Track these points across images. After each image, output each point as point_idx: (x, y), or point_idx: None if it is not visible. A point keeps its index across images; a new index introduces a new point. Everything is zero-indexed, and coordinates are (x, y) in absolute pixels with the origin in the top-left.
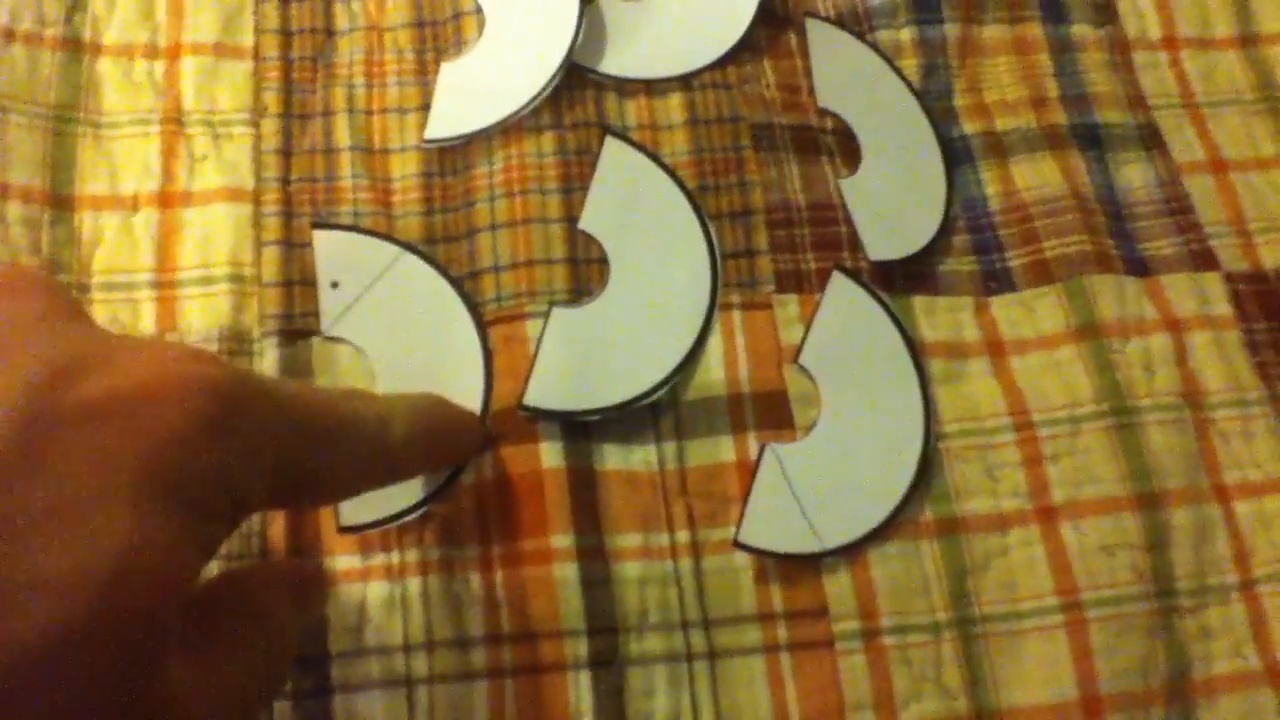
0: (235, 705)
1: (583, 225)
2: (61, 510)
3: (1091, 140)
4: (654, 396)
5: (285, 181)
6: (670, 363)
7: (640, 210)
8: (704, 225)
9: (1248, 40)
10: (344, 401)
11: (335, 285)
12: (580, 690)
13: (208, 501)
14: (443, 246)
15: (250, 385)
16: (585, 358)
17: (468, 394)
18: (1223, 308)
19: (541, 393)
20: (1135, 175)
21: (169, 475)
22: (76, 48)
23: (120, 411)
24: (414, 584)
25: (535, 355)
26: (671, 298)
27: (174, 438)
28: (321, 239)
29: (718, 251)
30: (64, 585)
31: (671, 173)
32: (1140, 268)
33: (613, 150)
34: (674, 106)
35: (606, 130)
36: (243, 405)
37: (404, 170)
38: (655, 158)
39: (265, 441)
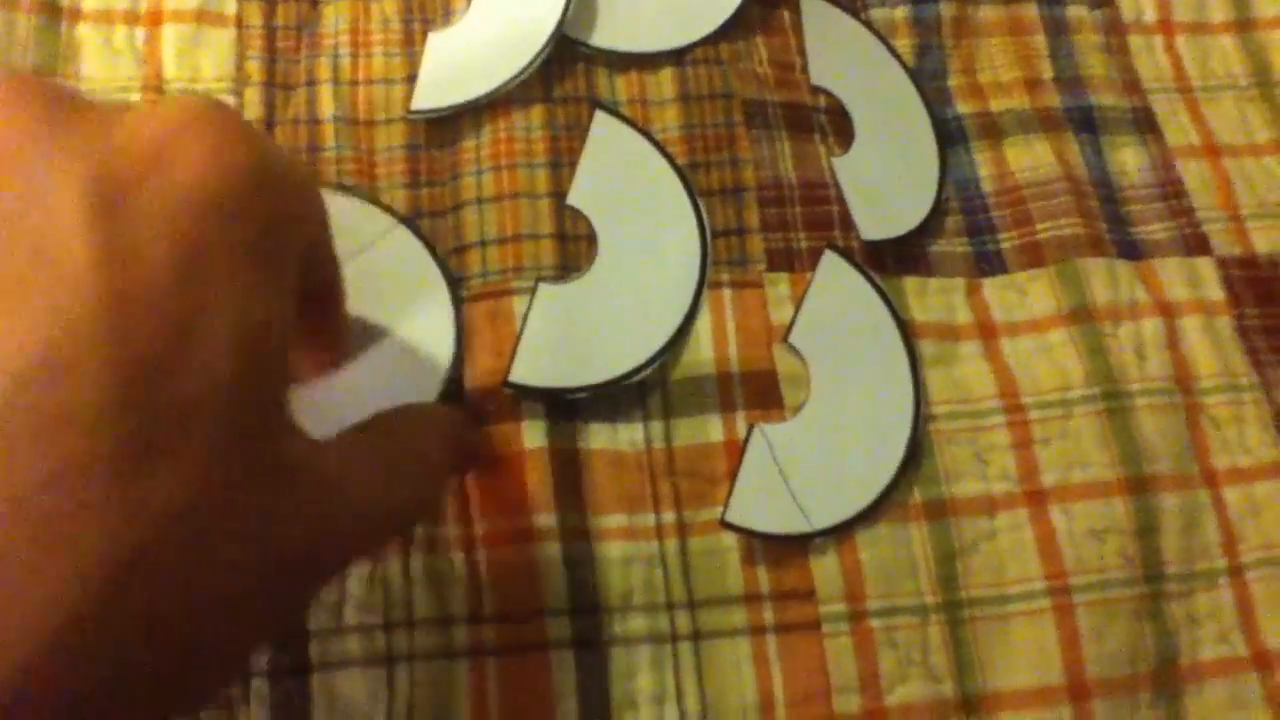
0: (373, 509)
1: (571, 200)
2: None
3: (1085, 123)
4: (642, 375)
5: None
6: (658, 341)
7: (630, 186)
8: (694, 202)
9: (1244, 25)
10: None
11: None
12: (563, 670)
13: (278, 249)
14: (428, 220)
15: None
16: (572, 335)
17: (433, 374)
18: (1215, 292)
19: (527, 369)
20: (1129, 159)
21: (242, 226)
22: (54, 12)
23: (168, 170)
24: (395, 562)
25: (520, 332)
26: (660, 275)
27: (231, 181)
28: None
29: (708, 229)
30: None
31: (662, 149)
32: (1133, 251)
33: (603, 125)
34: (665, 81)
35: (597, 105)
36: (265, 140)
37: (389, 142)
38: (646, 133)
39: (291, 181)
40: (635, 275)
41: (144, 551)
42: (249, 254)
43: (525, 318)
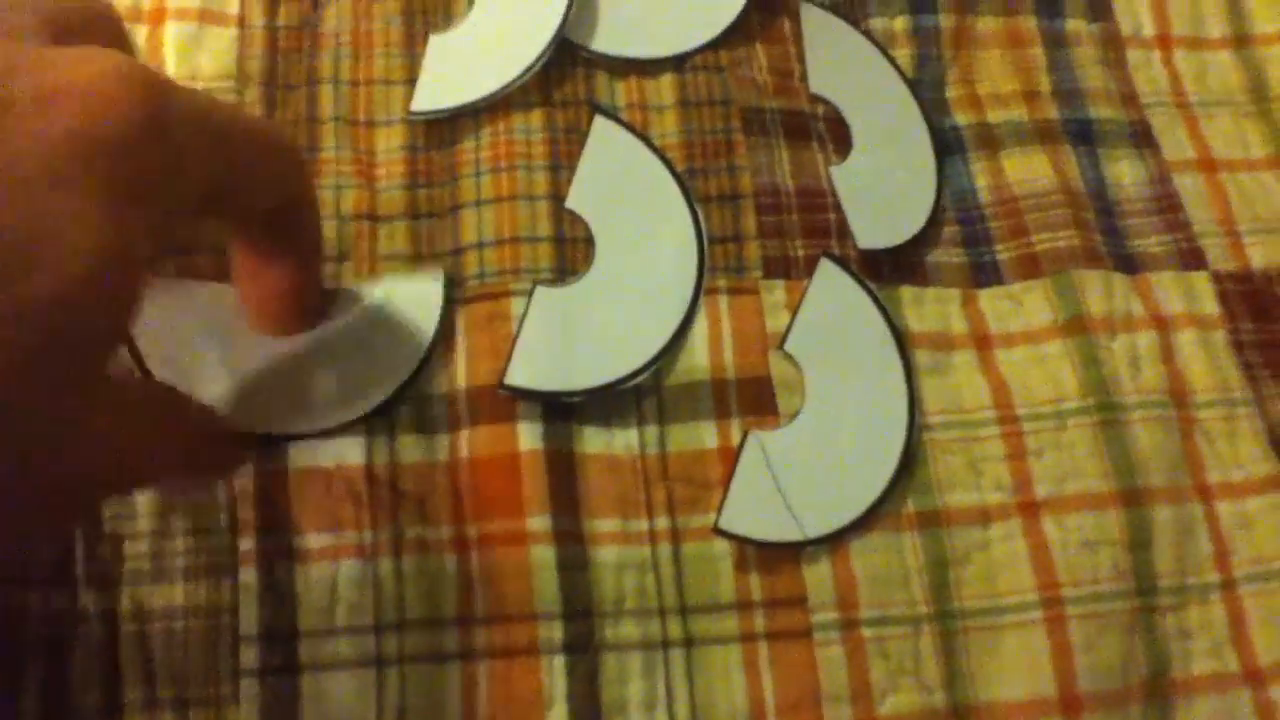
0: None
1: (569, 204)
2: (14, 187)
3: (1083, 135)
4: (638, 379)
5: None
6: (654, 346)
7: (628, 191)
8: (692, 209)
9: (1241, 41)
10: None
11: None
12: (554, 675)
13: (153, 195)
14: (425, 222)
15: (178, 87)
16: (568, 338)
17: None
18: (1210, 307)
19: (523, 372)
20: (1126, 172)
21: (118, 164)
22: None
23: (64, 102)
24: (386, 563)
25: (517, 334)
26: (657, 280)
27: (119, 126)
28: None
29: (705, 235)
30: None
31: (661, 154)
32: (1129, 264)
33: (602, 129)
34: (665, 87)
35: (596, 109)
36: (176, 102)
37: (388, 143)
38: (645, 138)
39: (199, 140)
40: (631, 279)
41: None
42: (118, 191)
43: (522, 320)
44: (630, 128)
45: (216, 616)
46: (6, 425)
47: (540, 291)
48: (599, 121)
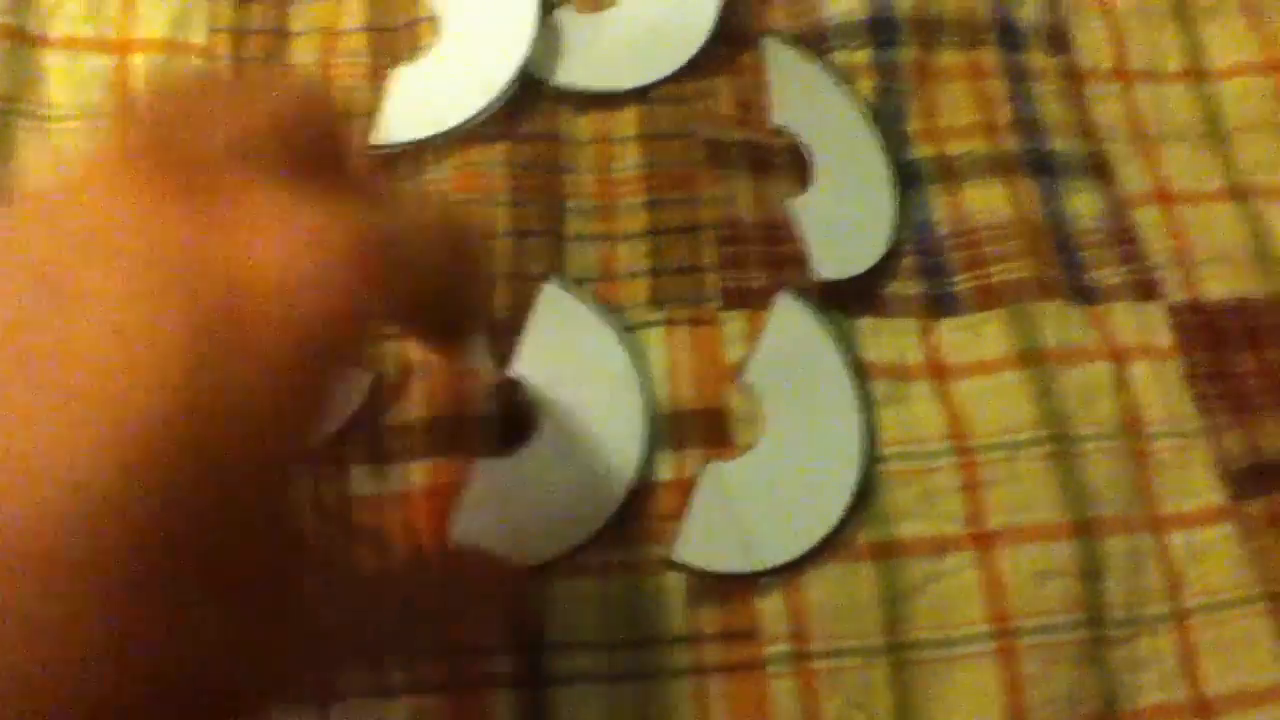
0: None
1: (513, 371)
2: None
3: (1042, 167)
4: (575, 548)
5: None
6: (599, 519)
7: (574, 360)
8: (642, 378)
9: (1198, 75)
10: None
11: None
12: (501, 709)
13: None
14: None
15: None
16: (512, 510)
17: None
18: (1164, 338)
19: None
20: (1083, 204)
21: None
22: (21, 38)
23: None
24: None
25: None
26: (603, 452)
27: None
28: None
29: (655, 407)
30: None
31: (610, 319)
32: (1085, 295)
33: (550, 295)
34: (628, 120)
35: (545, 279)
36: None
37: None
38: (595, 306)
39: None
40: (575, 452)
41: None
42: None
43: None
44: (578, 292)
45: None
46: None
47: (484, 463)
48: (548, 290)
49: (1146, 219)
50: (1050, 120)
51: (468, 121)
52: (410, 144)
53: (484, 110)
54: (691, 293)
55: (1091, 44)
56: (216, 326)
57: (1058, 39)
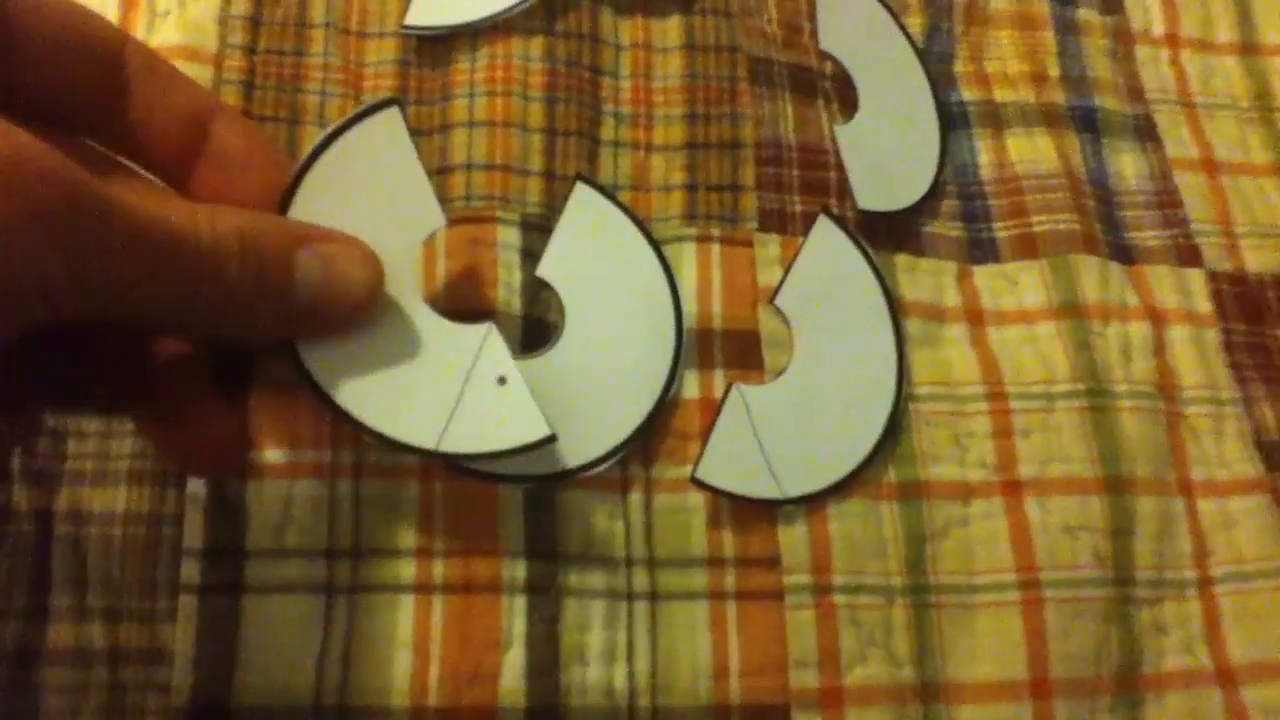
0: None
1: (540, 272)
2: None
3: (1088, 124)
4: (603, 466)
5: (251, 50)
6: (624, 431)
7: (604, 265)
8: (674, 289)
9: (1248, 48)
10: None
11: None
12: (513, 614)
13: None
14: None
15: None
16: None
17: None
18: (1204, 305)
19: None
20: (1128, 164)
21: None
22: None
23: None
24: (345, 486)
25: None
26: (629, 361)
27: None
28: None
29: (683, 316)
30: None
31: (644, 228)
32: (1125, 255)
33: (582, 197)
34: (671, 29)
35: (578, 177)
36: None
37: (379, 56)
38: (628, 211)
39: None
40: (603, 358)
41: None
42: None
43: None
44: (612, 198)
45: (158, 526)
46: None
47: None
48: (580, 189)
49: (1191, 185)
50: (1098, 77)
51: (505, 10)
52: (444, 29)
53: (523, 1)
54: (728, 211)
55: (1143, 6)
56: None
57: None
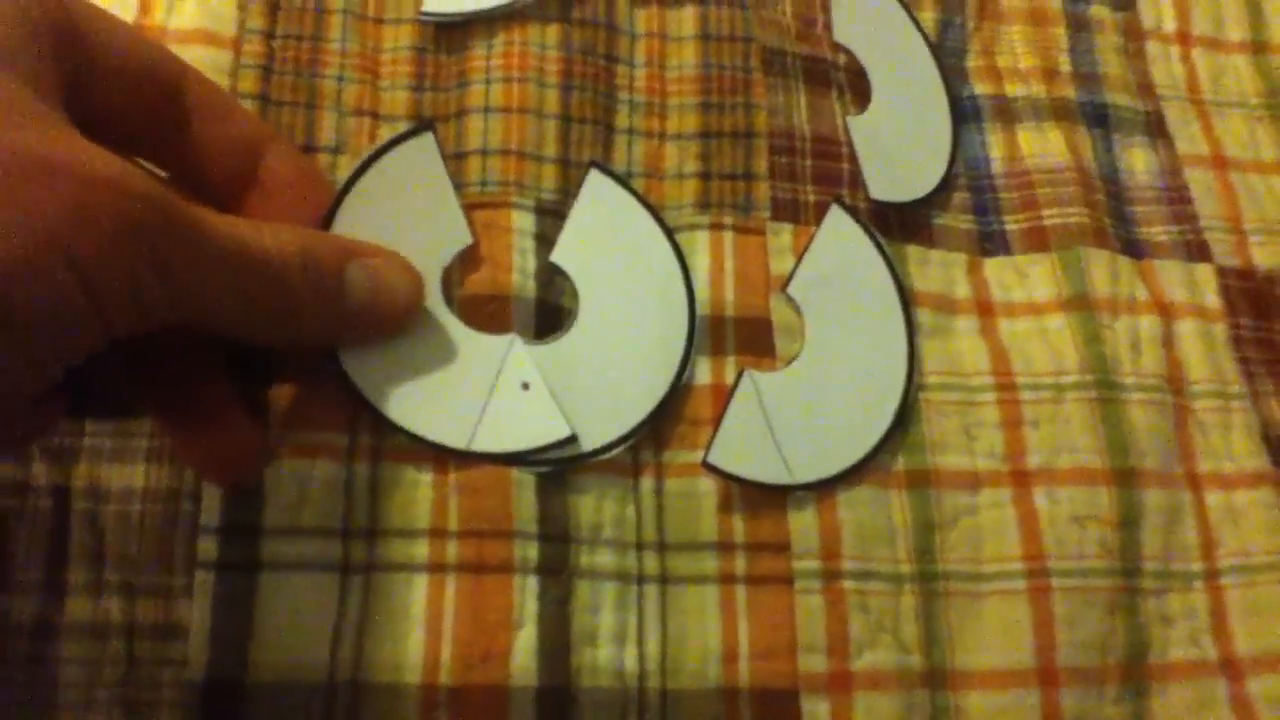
0: None
1: (554, 258)
2: None
3: (1099, 119)
4: (615, 451)
5: (270, 35)
6: (636, 416)
7: (618, 252)
8: (686, 276)
9: (1259, 47)
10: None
11: None
12: (525, 595)
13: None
14: (427, 119)
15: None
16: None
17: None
18: (1212, 300)
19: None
20: (1138, 160)
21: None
22: None
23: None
24: (363, 469)
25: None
26: (642, 347)
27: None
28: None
29: (696, 303)
30: None
31: (658, 216)
32: (1135, 249)
33: (596, 184)
34: (686, 19)
35: (592, 164)
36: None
37: (396, 42)
38: (642, 199)
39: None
40: (616, 343)
41: None
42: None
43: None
44: (626, 185)
45: (176, 503)
46: None
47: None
48: (594, 176)
49: (1200, 182)
50: (1109, 73)
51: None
52: (461, 16)
53: None
54: (740, 200)
55: (1154, 4)
56: None
57: None
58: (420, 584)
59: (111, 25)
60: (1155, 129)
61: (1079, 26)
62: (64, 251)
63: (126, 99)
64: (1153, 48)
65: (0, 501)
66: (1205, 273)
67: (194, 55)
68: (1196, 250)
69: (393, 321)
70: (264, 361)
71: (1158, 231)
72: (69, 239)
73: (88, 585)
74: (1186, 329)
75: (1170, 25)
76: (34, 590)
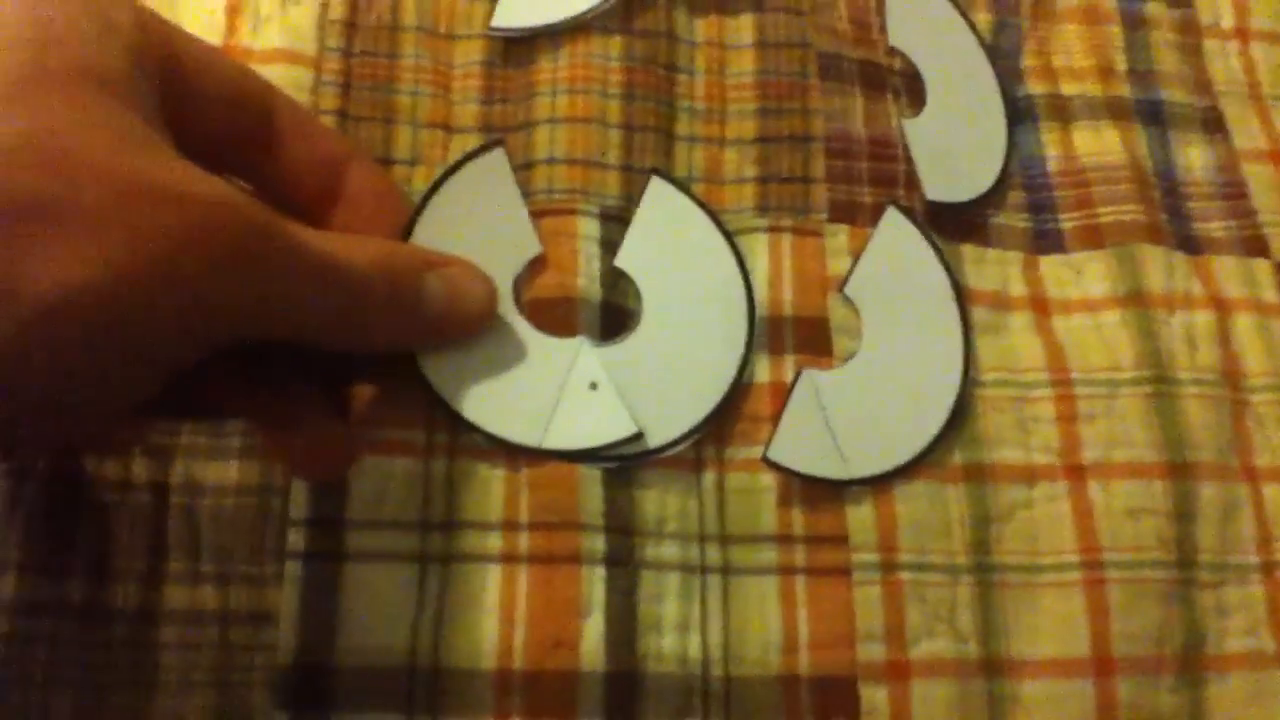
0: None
1: (619, 262)
2: None
3: (1154, 117)
4: (679, 447)
5: (348, 53)
6: (698, 414)
7: (679, 255)
8: (746, 278)
9: None
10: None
11: None
12: (593, 585)
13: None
14: (497, 136)
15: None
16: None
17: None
18: (1270, 295)
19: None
20: (1195, 156)
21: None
22: None
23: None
24: (440, 465)
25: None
26: (703, 347)
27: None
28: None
29: (755, 304)
30: None
31: (718, 220)
32: (1191, 245)
33: (658, 190)
34: (744, 27)
35: (654, 171)
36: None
37: (466, 57)
38: (702, 204)
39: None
40: (679, 345)
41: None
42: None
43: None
44: (687, 191)
45: (266, 498)
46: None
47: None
48: (655, 183)
49: (1258, 176)
50: (1165, 71)
51: (586, 12)
52: (528, 31)
53: (603, 3)
54: (798, 202)
55: (1212, 1)
56: None
57: None
58: (494, 574)
59: (207, 52)
60: (1212, 125)
61: (1134, 25)
62: (176, 272)
63: (222, 122)
64: (1210, 43)
65: (104, 497)
66: (1263, 267)
67: (277, 74)
68: (1254, 245)
69: (468, 327)
70: (345, 365)
71: (1215, 227)
72: (180, 261)
73: (185, 575)
74: (1243, 324)
75: (1228, 21)
76: (135, 580)
